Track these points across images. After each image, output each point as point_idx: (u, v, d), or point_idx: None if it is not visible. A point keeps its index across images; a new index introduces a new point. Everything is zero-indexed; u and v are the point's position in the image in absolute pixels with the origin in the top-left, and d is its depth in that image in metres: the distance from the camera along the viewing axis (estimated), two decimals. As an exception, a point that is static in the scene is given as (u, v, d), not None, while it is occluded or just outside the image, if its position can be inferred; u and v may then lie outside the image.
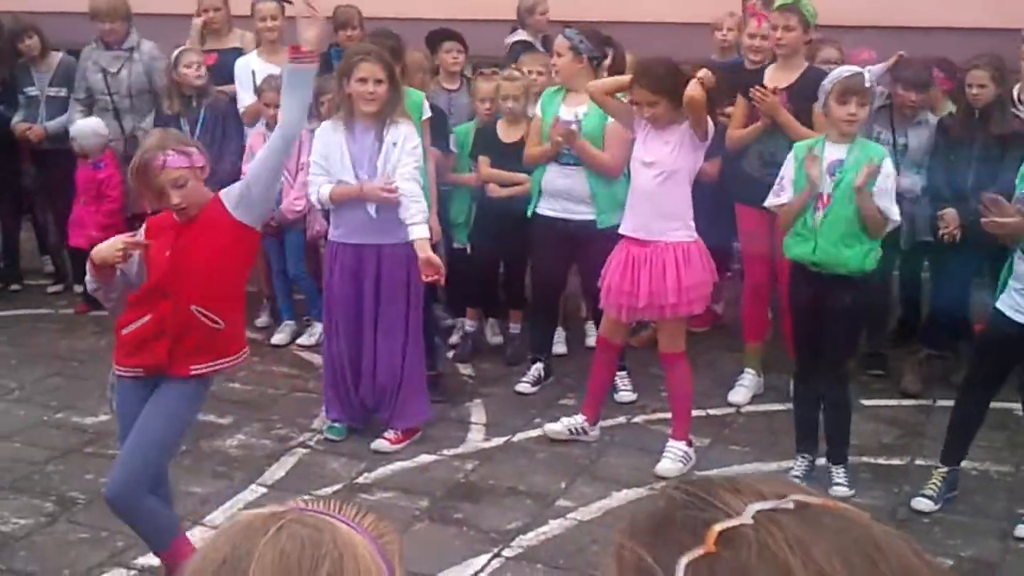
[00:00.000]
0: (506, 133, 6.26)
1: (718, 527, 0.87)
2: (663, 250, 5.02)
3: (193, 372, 3.94)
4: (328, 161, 5.25)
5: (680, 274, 4.99)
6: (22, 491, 4.97)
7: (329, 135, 5.29)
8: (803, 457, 5.06)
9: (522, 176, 6.14)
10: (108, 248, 3.78)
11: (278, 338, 6.80)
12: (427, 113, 5.85)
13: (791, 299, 5.07)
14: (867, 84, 4.71)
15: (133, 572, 4.34)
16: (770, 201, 4.93)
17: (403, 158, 5.13)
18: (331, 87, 6.41)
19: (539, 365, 6.17)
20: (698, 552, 0.86)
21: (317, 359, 6.42)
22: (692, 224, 5.08)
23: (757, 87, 5.62)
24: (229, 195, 3.97)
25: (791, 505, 0.89)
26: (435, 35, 6.96)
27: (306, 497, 0.90)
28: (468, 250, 6.54)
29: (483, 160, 6.28)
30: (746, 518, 0.88)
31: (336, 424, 5.50)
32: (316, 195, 5.30)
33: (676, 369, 5.25)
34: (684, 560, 0.86)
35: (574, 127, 5.57)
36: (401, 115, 5.24)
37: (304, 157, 6.40)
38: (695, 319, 6.34)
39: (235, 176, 6.01)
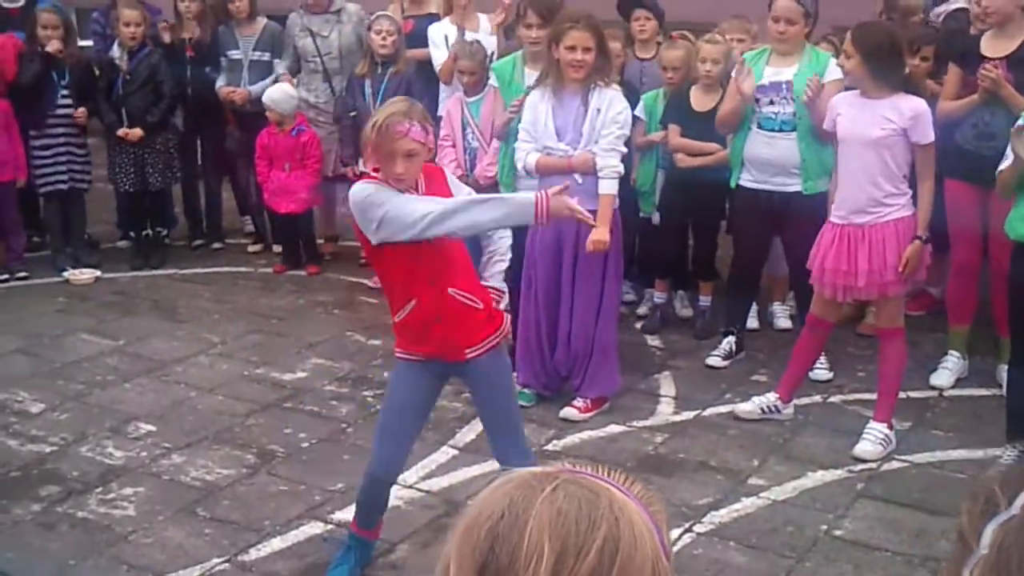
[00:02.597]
0: (699, 101, 6.10)
1: None
2: (882, 227, 4.83)
3: (469, 356, 3.85)
4: (535, 128, 5.24)
5: (901, 249, 4.79)
6: (225, 443, 5.15)
7: (537, 102, 5.26)
8: (1014, 447, 4.81)
9: (713, 146, 6.01)
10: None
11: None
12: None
13: (1013, 280, 4.80)
14: None
15: (330, 526, 4.43)
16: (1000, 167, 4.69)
17: (608, 125, 5.08)
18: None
19: (731, 338, 6.04)
20: None
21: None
22: (910, 195, 4.86)
23: (985, 65, 5.31)
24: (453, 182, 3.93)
25: None
26: (626, 2, 6.83)
27: (578, 462, 0.90)
28: (655, 220, 6.44)
29: (673, 129, 6.15)
30: None
31: (526, 390, 5.51)
32: (523, 163, 5.29)
33: (893, 345, 5.03)
34: None
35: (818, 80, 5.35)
36: (608, 81, 5.17)
37: (498, 122, 6.41)
38: (912, 302, 6.11)
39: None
